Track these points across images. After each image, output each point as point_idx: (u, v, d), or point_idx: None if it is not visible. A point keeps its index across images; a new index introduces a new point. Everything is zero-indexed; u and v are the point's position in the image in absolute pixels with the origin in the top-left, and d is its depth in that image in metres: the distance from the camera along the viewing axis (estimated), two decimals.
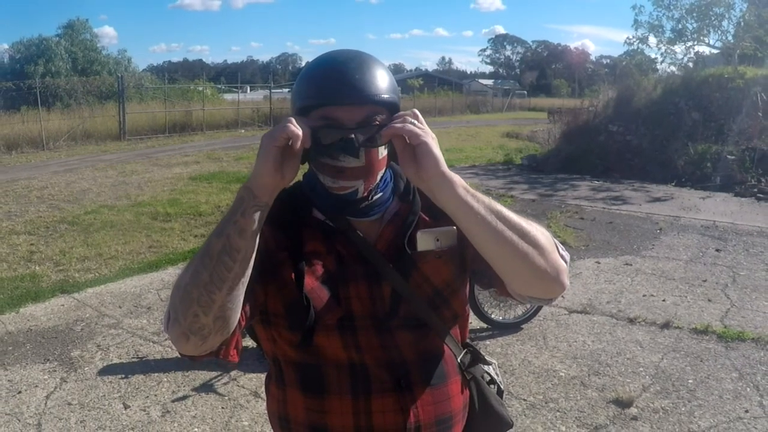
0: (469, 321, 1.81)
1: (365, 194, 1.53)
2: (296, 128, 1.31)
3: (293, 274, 1.50)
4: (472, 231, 1.37)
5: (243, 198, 1.33)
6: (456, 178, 1.35)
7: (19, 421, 4.32)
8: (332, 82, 1.44)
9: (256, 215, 1.33)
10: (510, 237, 1.36)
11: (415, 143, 1.34)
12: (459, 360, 1.67)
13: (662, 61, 24.79)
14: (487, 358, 1.80)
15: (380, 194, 1.59)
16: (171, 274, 7.66)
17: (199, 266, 1.34)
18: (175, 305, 1.36)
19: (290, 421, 1.61)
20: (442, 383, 1.61)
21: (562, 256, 1.49)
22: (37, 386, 4.83)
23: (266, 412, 1.76)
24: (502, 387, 1.86)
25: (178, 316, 1.35)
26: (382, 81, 1.47)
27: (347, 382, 1.54)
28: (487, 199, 1.38)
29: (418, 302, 1.57)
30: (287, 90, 48.30)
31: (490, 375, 1.81)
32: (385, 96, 1.45)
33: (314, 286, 1.52)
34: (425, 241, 1.54)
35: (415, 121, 1.37)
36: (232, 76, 71.88)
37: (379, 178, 1.55)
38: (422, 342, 1.59)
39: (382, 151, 1.50)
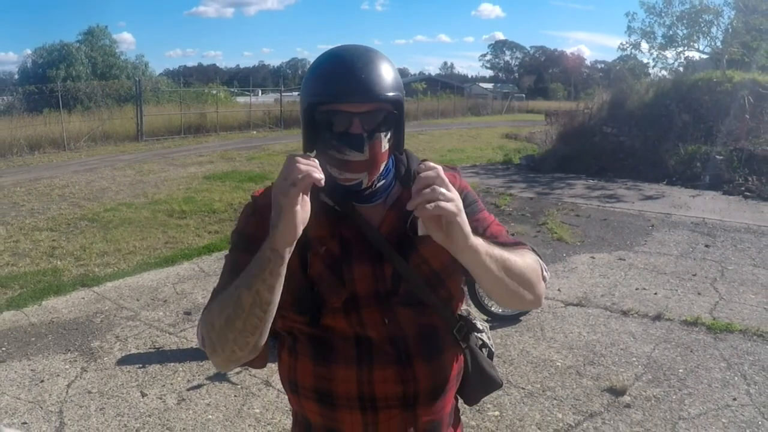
0: (466, 297, 1.85)
1: (369, 184, 1.57)
2: (316, 171, 1.34)
3: (298, 264, 1.52)
4: (479, 277, 1.48)
5: (270, 259, 1.36)
6: (480, 245, 1.42)
7: (42, 408, 4.33)
8: (340, 80, 1.46)
9: (283, 269, 1.37)
10: (509, 283, 1.49)
11: (448, 221, 1.37)
12: (454, 332, 1.70)
13: (654, 66, 24.85)
14: (479, 324, 1.82)
15: (383, 181, 1.62)
16: (186, 268, 7.67)
17: (232, 314, 1.40)
18: (212, 340, 1.44)
19: (299, 386, 1.64)
20: (439, 355, 1.65)
21: (544, 278, 1.61)
22: (58, 375, 4.85)
23: (277, 399, 1.80)
24: (492, 350, 1.89)
25: (216, 348, 1.45)
26: (387, 79, 1.49)
27: (353, 353, 1.57)
28: (499, 255, 1.47)
29: (417, 282, 1.59)
30: (297, 93, 48.29)
31: (482, 340, 1.83)
32: (390, 94, 1.48)
33: (320, 271, 1.56)
34: (423, 226, 1.49)
35: (443, 189, 1.36)
36: (244, 79, 71.81)
37: (382, 168, 1.58)
38: (420, 318, 1.61)
39: (385, 144, 1.54)
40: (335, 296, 1.55)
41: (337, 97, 1.46)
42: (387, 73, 1.50)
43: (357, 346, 1.57)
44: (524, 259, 1.54)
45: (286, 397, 1.75)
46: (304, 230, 1.40)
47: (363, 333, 1.57)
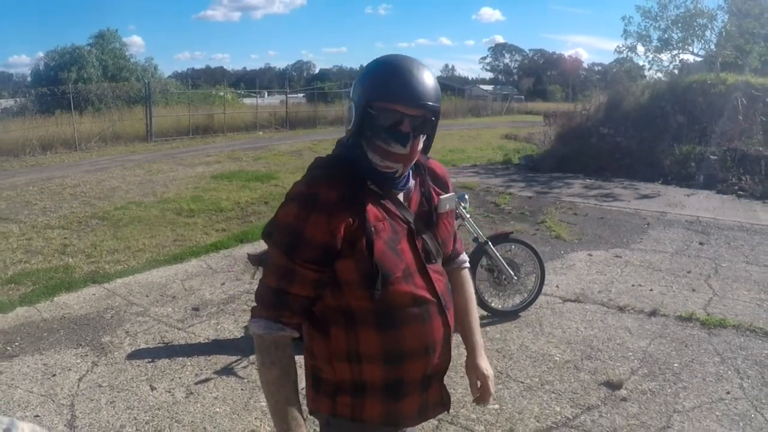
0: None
1: (400, 174, 1.87)
2: None
3: (365, 246, 1.75)
4: None
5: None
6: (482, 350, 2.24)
7: (54, 401, 4.34)
8: (405, 85, 1.75)
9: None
10: None
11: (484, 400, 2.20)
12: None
13: (650, 68, 24.83)
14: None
15: (409, 171, 1.93)
16: (194, 265, 7.68)
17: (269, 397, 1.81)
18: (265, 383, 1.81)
19: (361, 355, 1.83)
20: (452, 297, 2.06)
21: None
22: (70, 369, 4.85)
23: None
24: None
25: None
26: (437, 91, 1.81)
27: (414, 313, 1.84)
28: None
29: (438, 249, 1.97)
30: (302, 95, 48.28)
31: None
32: (437, 105, 1.79)
33: (383, 249, 1.79)
34: (443, 204, 1.99)
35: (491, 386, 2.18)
36: (250, 81, 71.76)
37: (412, 163, 1.90)
38: (443, 276, 1.98)
39: (420, 145, 1.87)
40: (396, 268, 1.80)
41: (399, 99, 1.74)
42: (436, 87, 1.81)
43: (416, 306, 1.84)
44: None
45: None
46: (364, 218, 1.75)
47: (418, 294, 1.85)
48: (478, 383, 2.18)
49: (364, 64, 1.90)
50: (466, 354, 2.22)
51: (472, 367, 2.19)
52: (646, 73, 26.00)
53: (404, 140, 1.77)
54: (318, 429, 2.03)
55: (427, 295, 1.87)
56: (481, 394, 2.17)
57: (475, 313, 2.26)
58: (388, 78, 1.76)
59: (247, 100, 39.40)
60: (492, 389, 2.17)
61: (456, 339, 2.14)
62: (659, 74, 23.80)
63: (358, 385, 1.87)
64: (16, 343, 5.34)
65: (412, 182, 1.94)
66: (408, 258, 1.84)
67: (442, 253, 2.00)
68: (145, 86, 27.12)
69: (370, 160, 1.82)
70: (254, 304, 1.83)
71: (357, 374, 1.85)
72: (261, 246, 8.09)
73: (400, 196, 1.91)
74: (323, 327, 1.86)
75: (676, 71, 23.05)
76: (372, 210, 1.79)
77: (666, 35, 22.29)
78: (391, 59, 1.82)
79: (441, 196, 1.99)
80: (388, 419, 1.93)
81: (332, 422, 1.94)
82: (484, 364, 2.17)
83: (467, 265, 2.28)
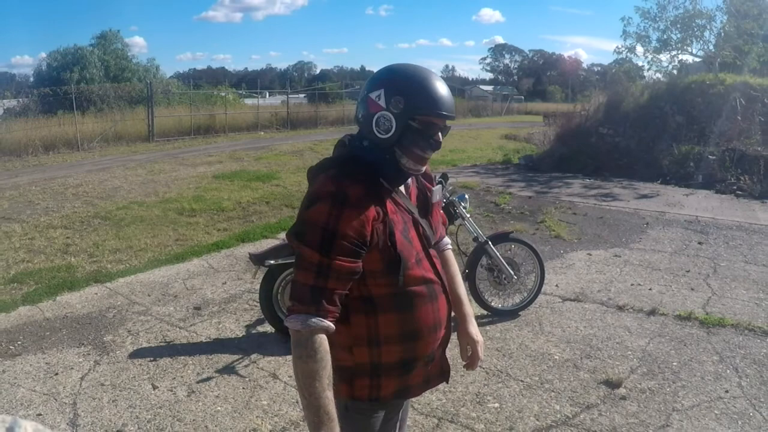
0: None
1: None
2: None
3: (388, 237, 1.92)
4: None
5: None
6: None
7: (56, 400, 4.34)
8: (446, 102, 1.96)
9: None
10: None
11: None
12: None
13: (649, 69, 24.76)
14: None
15: None
16: (196, 265, 7.68)
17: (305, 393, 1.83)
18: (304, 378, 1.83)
19: (381, 338, 1.99)
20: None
21: None
22: (72, 368, 4.85)
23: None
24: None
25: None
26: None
27: (426, 293, 2.03)
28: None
29: (432, 234, 2.17)
30: (303, 95, 48.26)
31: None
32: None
33: (401, 240, 1.96)
34: (435, 194, 2.21)
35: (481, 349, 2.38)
36: (252, 82, 71.77)
37: None
38: (438, 258, 2.18)
39: None
40: (411, 255, 1.98)
41: (441, 115, 1.95)
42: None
43: (426, 287, 2.03)
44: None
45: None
46: (386, 212, 1.93)
47: (427, 277, 2.04)
48: (469, 349, 2.38)
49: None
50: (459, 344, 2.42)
51: (464, 333, 2.38)
52: (645, 73, 25.95)
53: (437, 147, 2.02)
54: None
55: (433, 277, 2.07)
56: (471, 358, 2.38)
57: (462, 286, 2.45)
58: (430, 94, 1.94)
59: (249, 101, 39.36)
60: (481, 354, 2.38)
61: (452, 341, 2.21)
62: (658, 75, 23.76)
63: (376, 367, 2.02)
64: (19, 342, 5.34)
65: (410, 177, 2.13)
66: (417, 245, 2.03)
67: (434, 238, 2.20)
68: (147, 87, 27.08)
69: (401, 164, 2.00)
70: (292, 301, 1.88)
71: (376, 357, 2.00)
72: (262, 245, 8.09)
73: (402, 189, 2.10)
74: (343, 316, 1.94)
75: (675, 72, 23.00)
76: (388, 204, 1.96)
77: (665, 36, 22.28)
78: (425, 74, 1.98)
79: (433, 188, 2.21)
80: (400, 394, 2.12)
81: (350, 405, 2.07)
82: (474, 330, 2.37)
83: (450, 246, 2.46)
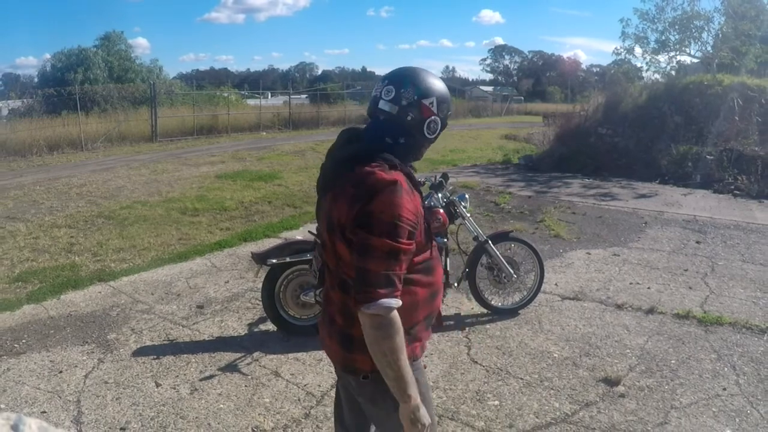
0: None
1: None
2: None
3: (425, 223, 2.20)
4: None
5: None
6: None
7: (60, 398, 4.34)
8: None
9: None
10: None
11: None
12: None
13: (647, 70, 24.70)
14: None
15: None
16: (199, 264, 7.68)
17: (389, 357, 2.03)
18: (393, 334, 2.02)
19: (419, 302, 2.21)
20: None
21: None
22: (76, 366, 4.86)
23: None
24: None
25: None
26: None
27: (436, 258, 2.32)
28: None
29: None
30: (305, 96, 48.23)
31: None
32: None
33: (425, 215, 2.24)
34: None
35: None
36: (254, 83, 71.57)
37: None
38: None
39: None
40: (432, 231, 2.36)
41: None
42: None
43: (435, 249, 2.32)
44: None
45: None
46: (420, 195, 2.21)
47: (434, 245, 2.34)
48: None
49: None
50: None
51: None
52: (644, 74, 25.90)
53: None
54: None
55: (435, 245, 2.36)
56: None
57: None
58: (450, 100, 2.28)
59: (251, 101, 39.30)
60: None
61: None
62: (657, 75, 23.71)
63: (414, 329, 2.23)
64: (24, 341, 5.34)
65: None
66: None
67: None
68: (150, 87, 27.08)
69: (421, 156, 2.34)
70: (366, 290, 1.99)
71: (415, 319, 2.21)
72: (264, 245, 8.09)
73: None
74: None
75: (673, 72, 22.97)
76: (419, 199, 2.20)
77: (663, 37, 22.24)
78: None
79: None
80: (423, 349, 2.37)
81: (372, 374, 2.17)
82: None
83: None
